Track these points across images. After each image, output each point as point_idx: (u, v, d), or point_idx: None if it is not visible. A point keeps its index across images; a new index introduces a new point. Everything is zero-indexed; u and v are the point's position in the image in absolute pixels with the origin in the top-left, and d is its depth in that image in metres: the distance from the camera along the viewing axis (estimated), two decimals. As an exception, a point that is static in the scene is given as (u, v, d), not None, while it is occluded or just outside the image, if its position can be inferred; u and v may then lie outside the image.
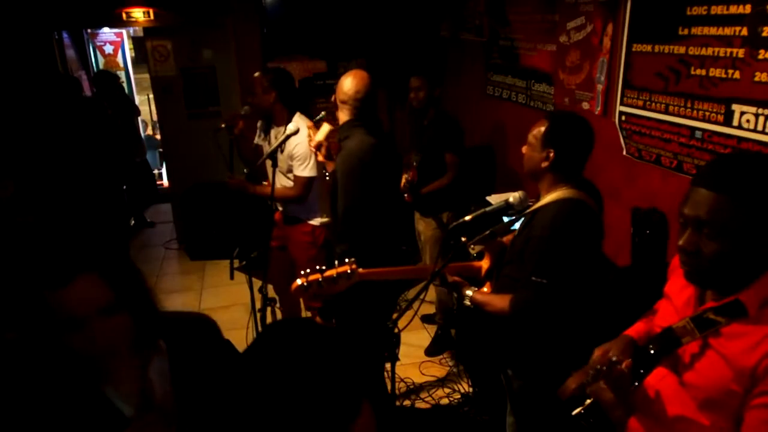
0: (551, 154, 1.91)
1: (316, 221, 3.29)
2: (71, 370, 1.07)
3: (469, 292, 2.02)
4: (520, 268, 1.95)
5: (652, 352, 1.23)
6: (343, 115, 2.54)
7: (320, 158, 2.98)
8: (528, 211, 1.98)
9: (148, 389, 1.16)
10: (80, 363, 1.06)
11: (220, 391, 0.92)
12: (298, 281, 1.93)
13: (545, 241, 1.85)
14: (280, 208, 3.35)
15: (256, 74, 3.15)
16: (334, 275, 1.92)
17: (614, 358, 1.27)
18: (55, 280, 0.99)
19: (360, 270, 1.95)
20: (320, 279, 1.91)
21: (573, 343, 1.90)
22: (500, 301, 1.96)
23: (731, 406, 1.16)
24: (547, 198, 1.94)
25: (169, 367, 1.20)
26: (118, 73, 7.41)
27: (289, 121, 3.11)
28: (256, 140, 3.40)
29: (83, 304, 1.01)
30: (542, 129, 1.93)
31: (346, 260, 1.95)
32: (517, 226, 2.17)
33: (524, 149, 2.01)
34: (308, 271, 1.93)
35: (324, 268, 1.93)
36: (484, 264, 2.21)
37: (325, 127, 2.91)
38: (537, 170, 1.97)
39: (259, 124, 3.36)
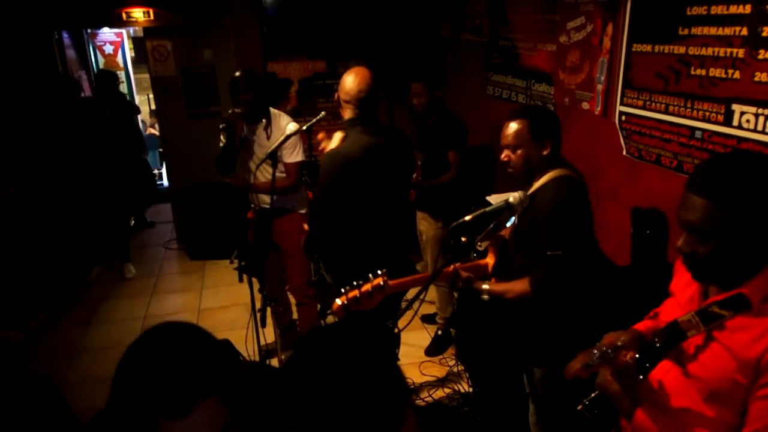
0: (548, 142, 2.00)
1: (303, 210, 3.40)
2: None
3: (485, 286, 2.06)
4: (529, 251, 2.02)
5: (657, 345, 1.25)
6: (346, 114, 2.50)
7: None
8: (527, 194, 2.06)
9: None
10: None
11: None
12: (338, 301, 1.89)
13: (552, 215, 1.94)
14: (255, 207, 3.36)
15: (239, 74, 3.17)
16: (370, 289, 1.90)
17: (620, 344, 1.28)
18: (175, 409, 0.88)
19: (390, 282, 1.93)
20: (358, 295, 1.89)
21: (589, 322, 1.98)
22: (519, 285, 2.02)
23: (736, 397, 1.18)
24: (541, 180, 2.02)
25: None
26: (118, 73, 7.41)
27: (268, 118, 3.21)
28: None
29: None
30: (522, 127, 1.99)
31: (379, 272, 1.92)
32: (510, 223, 2.21)
33: (508, 155, 2.04)
34: (347, 288, 1.91)
35: (361, 283, 1.91)
36: (489, 261, 2.23)
37: (338, 135, 2.88)
38: (537, 163, 2.02)
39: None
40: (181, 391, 0.89)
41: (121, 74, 7.77)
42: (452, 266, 2.05)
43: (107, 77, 5.67)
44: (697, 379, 1.25)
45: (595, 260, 2.18)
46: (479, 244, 2.22)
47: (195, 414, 0.89)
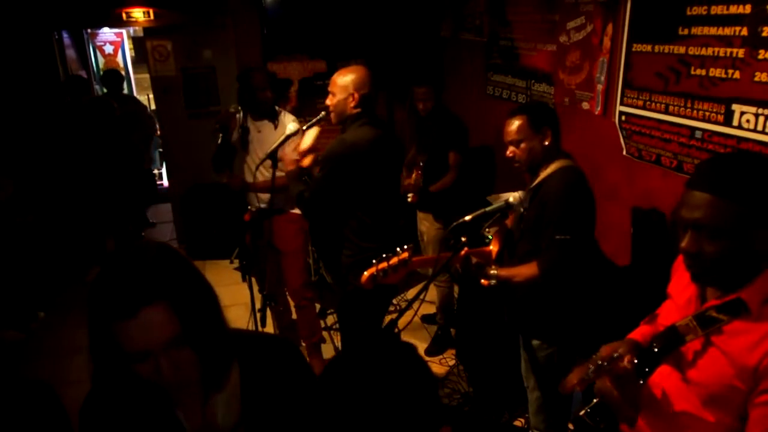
0: (548, 132, 2.10)
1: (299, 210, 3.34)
2: (144, 393, 1.07)
3: (493, 271, 2.11)
4: (535, 238, 2.09)
5: (655, 350, 1.24)
6: (348, 109, 2.55)
7: (305, 163, 2.76)
8: (531, 186, 2.13)
9: (212, 420, 1.14)
10: (150, 388, 1.06)
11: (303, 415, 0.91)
12: (366, 273, 1.95)
13: (561, 201, 2.02)
14: (252, 208, 3.36)
15: (257, 72, 3.18)
16: (396, 263, 1.95)
17: (616, 355, 1.28)
18: (122, 311, 0.96)
19: (414, 258, 1.98)
20: (386, 267, 1.94)
21: (592, 307, 2.07)
22: (527, 269, 2.09)
23: (735, 402, 1.17)
24: (547, 171, 2.11)
25: (240, 397, 1.16)
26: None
27: (274, 115, 3.20)
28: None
29: (148, 337, 0.98)
30: (522, 122, 2.11)
31: (405, 247, 1.98)
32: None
33: (513, 151, 2.15)
34: (376, 260, 1.97)
35: (390, 255, 1.95)
36: (493, 248, 2.26)
37: (312, 132, 2.75)
38: (541, 154, 2.12)
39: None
40: (126, 292, 0.97)
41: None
42: (464, 251, 2.07)
43: (114, 77, 5.60)
44: (695, 385, 1.23)
45: (595, 253, 2.21)
46: (487, 230, 2.28)
47: (141, 316, 0.96)
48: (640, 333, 1.54)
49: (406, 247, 1.97)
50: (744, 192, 1.13)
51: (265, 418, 1.17)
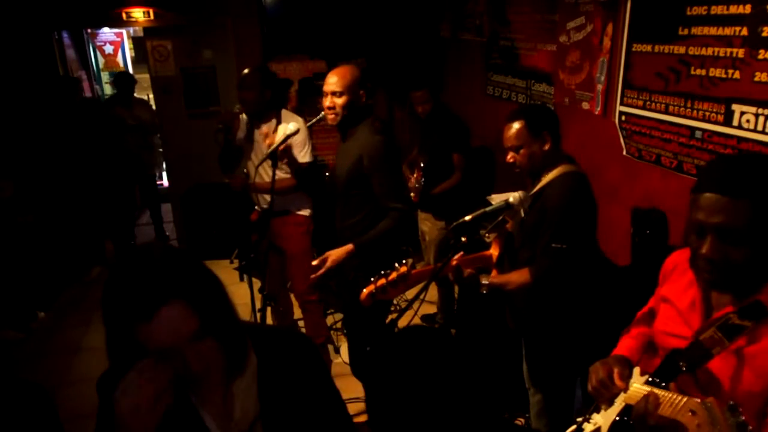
0: (547, 137, 2.05)
1: (306, 211, 3.33)
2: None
3: (485, 281, 2.09)
4: (535, 244, 2.06)
5: (684, 369, 1.18)
6: (352, 107, 2.51)
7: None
8: (533, 192, 2.09)
9: (230, 411, 1.17)
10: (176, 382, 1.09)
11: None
12: (365, 291, 1.93)
13: (560, 209, 1.99)
14: (258, 208, 3.35)
15: (247, 71, 3.15)
16: (395, 278, 1.93)
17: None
18: (142, 313, 0.99)
19: (412, 272, 1.97)
20: (386, 283, 1.92)
21: (592, 314, 2.06)
22: (519, 276, 2.07)
23: (756, 407, 1.14)
24: (549, 176, 2.07)
25: (257, 385, 1.19)
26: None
27: (278, 118, 3.17)
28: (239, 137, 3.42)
29: (171, 334, 1.01)
30: (520, 126, 2.06)
31: (404, 261, 1.97)
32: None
33: (513, 156, 2.11)
34: (375, 277, 1.95)
35: (388, 271, 1.94)
36: (494, 252, 2.25)
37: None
38: (541, 158, 2.07)
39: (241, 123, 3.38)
40: (143, 295, 0.99)
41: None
42: (455, 261, 2.06)
43: (125, 79, 5.49)
44: (714, 393, 1.18)
45: (595, 258, 2.19)
46: (487, 236, 2.26)
47: (158, 318, 0.99)
48: (626, 347, 1.50)
49: (404, 261, 1.96)
50: (760, 191, 1.08)
51: (282, 412, 1.19)
